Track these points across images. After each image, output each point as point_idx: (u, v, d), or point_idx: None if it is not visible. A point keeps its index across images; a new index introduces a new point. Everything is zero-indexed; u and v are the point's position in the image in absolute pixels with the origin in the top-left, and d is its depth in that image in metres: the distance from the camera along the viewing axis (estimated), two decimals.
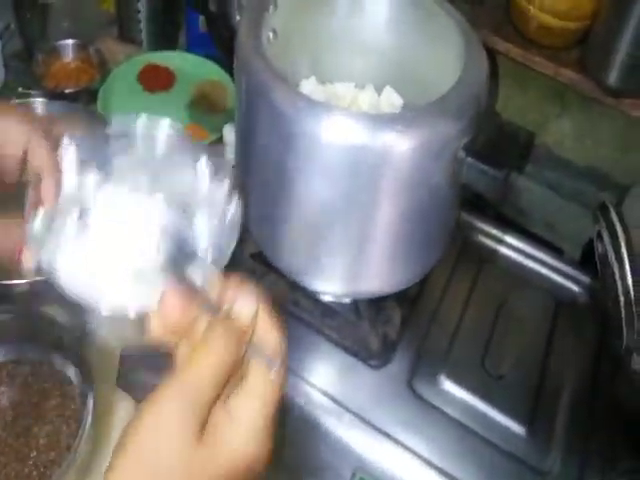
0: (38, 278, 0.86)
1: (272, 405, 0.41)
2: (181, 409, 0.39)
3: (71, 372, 0.80)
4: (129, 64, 1.26)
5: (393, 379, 0.72)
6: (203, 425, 0.40)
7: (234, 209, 0.49)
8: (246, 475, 0.41)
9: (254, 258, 0.77)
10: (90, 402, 0.71)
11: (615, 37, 0.84)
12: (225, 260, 0.48)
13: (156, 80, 1.25)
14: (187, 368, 0.41)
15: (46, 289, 0.85)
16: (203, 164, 0.49)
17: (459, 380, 0.72)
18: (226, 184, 0.49)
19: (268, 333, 0.43)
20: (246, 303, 0.44)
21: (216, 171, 0.49)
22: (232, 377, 0.41)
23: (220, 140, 1.08)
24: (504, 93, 1.15)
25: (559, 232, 1.18)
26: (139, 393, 0.80)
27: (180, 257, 0.45)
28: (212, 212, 0.48)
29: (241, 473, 0.41)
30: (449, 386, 0.72)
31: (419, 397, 0.70)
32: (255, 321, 0.43)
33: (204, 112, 1.20)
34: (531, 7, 0.90)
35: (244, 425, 0.41)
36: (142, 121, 0.53)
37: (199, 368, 0.40)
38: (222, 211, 0.49)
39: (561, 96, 1.09)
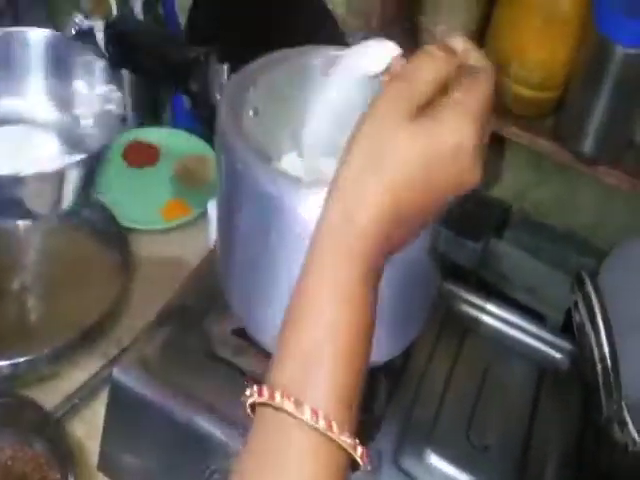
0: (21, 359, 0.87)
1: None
2: (393, 97, 0.44)
3: (51, 456, 0.78)
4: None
5: (378, 456, 0.70)
6: (417, 109, 0.43)
7: None
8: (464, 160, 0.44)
9: (236, 334, 0.77)
10: None
11: (588, 106, 0.86)
12: None
13: (140, 156, 1.27)
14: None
15: (27, 370, 0.85)
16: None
17: (445, 454, 0.71)
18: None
19: (479, 62, 0.47)
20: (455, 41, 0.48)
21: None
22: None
23: (204, 215, 1.09)
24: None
25: (540, 297, 1.18)
26: (122, 476, 0.79)
27: None
28: None
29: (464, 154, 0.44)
30: (435, 460, 0.71)
31: (405, 473, 0.69)
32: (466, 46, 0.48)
33: (188, 187, 1.21)
34: (506, 78, 0.93)
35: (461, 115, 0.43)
36: None
37: (413, 68, 0.45)
38: None
39: (539, 164, 1.11)
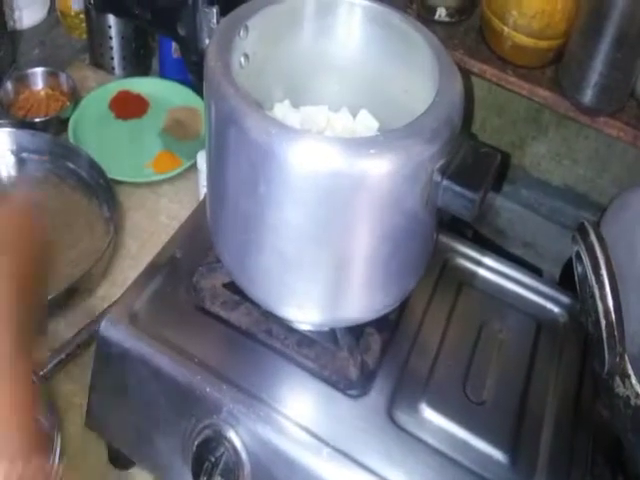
0: None
1: None
2: None
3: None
4: (101, 91, 1.24)
5: (372, 409, 0.69)
6: None
7: None
8: None
9: (227, 288, 0.75)
10: (58, 440, 0.69)
11: (588, 56, 0.84)
12: None
13: (128, 107, 1.23)
14: None
15: None
16: None
17: (440, 408, 0.70)
18: None
19: None
20: None
21: None
22: None
23: (194, 167, 1.07)
24: (481, 115, 1.15)
25: (538, 251, 1.17)
26: (110, 434, 0.78)
27: None
28: None
29: None
30: (430, 414, 0.70)
31: (399, 427, 0.68)
32: None
33: (177, 139, 1.19)
34: (505, 27, 0.90)
35: None
36: None
37: None
38: None
39: (537, 118, 1.09)
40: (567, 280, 0.83)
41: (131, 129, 1.22)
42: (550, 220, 1.17)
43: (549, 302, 0.83)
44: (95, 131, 1.19)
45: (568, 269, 0.81)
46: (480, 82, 1.03)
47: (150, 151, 1.18)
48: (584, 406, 0.72)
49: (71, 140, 1.15)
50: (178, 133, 1.19)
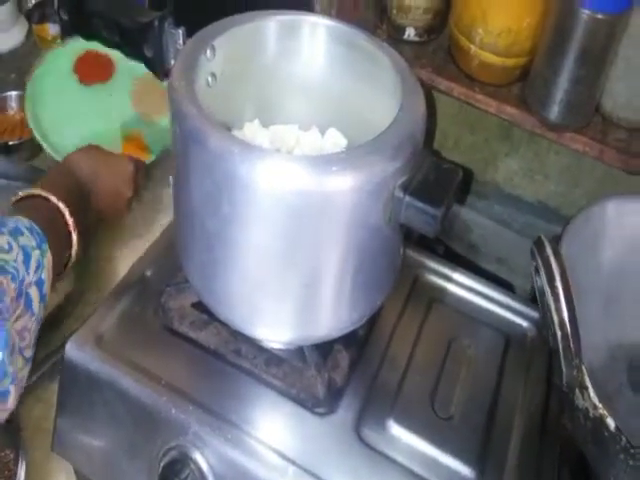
0: None
1: None
2: None
3: (4, 436, 0.76)
4: (65, 49, 1.14)
5: (340, 427, 0.69)
6: None
7: None
8: None
9: (195, 307, 0.75)
10: (22, 469, 0.68)
11: (553, 73, 0.85)
12: None
13: (93, 70, 1.13)
14: None
15: None
16: None
17: (407, 424, 0.70)
18: None
19: None
20: None
21: None
22: None
23: (163, 158, 1.05)
24: (454, 133, 1.16)
25: (511, 267, 1.18)
26: (77, 458, 0.77)
27: None
28: None
29: None
30: (397, 431, 0.70)
31: (367, 444, 0.68)
32: None
33: (145, 117, 1.10)
34: (472, 45, 0.91)
35: None
36: None
37: None
38: None
39: (509, 135, 1.10)
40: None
41: (95, 95, 1.12)
42: (523, 235, 1.17)
43: (518, 317, 0.83)
44: (55, 96, 1.10)
45: None
46: (452, 100, 1.04)
47: (116, 127, 1.08)
48: (550, 420, 0.73)
49: (29, 108, 1.08)
50: (146, 105, 1.09)
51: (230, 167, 0.58)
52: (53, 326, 0.95)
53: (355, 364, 0.75)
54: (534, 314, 0.83)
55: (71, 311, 0.98)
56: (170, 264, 0.80)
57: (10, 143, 1.15)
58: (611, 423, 0.54)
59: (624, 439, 0.54)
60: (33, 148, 1.17)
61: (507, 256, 1.18)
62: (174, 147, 0.67)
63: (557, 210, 1.14)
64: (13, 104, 1.23)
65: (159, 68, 0.76)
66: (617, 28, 0.81)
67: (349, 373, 0.73)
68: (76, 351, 0.72)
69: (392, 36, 0.99)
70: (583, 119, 0.89)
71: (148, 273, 0.81)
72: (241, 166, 0.58)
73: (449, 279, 0.86)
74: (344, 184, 0.58)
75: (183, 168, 0.65)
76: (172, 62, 0.75)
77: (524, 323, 0.83)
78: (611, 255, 0.77)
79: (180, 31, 0.73)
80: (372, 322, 0.77)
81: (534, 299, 0.89)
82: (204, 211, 0.65)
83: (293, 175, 0.57)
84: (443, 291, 0.85)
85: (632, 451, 0.54)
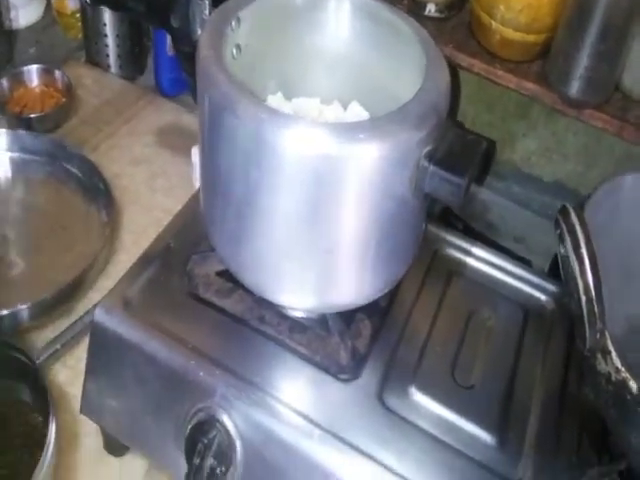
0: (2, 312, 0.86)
1: None
2: None
3: (33, 400, 0.78)
4: None
5: (363, 393, 0.71)
6: None
7: None
8: None
9: (220, 275, 0.76)
10: (52, 430, 0.70)
11: (574, 49, 0.85)
12: None
13: None
14: None
15: (8, 322, 0.85)
16: None
17: (429, 391, 0.71)
18: None
19: None
20: None
21: None
22: None
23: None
24: (472, 111, 1.17)
25: (528, 246, 1.19)
26: (105, 419, 0.79)
27: None
28: None
29: None
30: (419, 398, 0.71)
31: (389, 410, 0.70)
32: None
33: None
34: (493, 21, 0.92)
35: None
36: None
37: None
38: None
39: (526, 114, 1.11)
40: (555, 272, 0.84)
41: None
42: (540, 215, 1.18)
43: (537, 290, 0.84)
44: None
45: (556, 262, 0.83)
46: (470, 78, 1.04)
47: None
48: (570, 390, 0.74)
49: None
50: None
51: (258, 133, 0.59)
52: (76, 295, 0.97)
53: (377, 333, 0.76)
54: (552, 287, 0.84)
55: (92, 282, 1.00)
56: (194, 234, 0.81)
57: (32, 116, 1.17)
58: (634, 386, 0.55)
59: None
60: (54, 121, 1.18)
61: (525, 235, 1.19)
62: (200, 118, 0.68)
63: (575, 190, 1.15)
64: (33, 78, 1.24)
65: (185, 39, 0.77)
66: (638, 3, 0.82)
67: (371, 342, 0.74)
68: (105, 315, 0.73)
69: (413, 12, 0.99)
70: (603, 95, 0.90)
71: (172, 244, 0.82)
72: (269, 132, 0.59)
73: (468, 253, 0.87)
74: (370, 151, 0.59)
75: (211, 136, 0.66)
76: (198, 32, 0.76)
77: (542, 296, 0.84)
78: (630, 229, 0.77)
79: (206, 1, 0.74)
80: (393, 294, 0.78)
81: (551, 275, 0.91)
82: (231, 178, 0.66)
83: (320, 141, 0.58)
84: (462, 264, 0.86)
85: None
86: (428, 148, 0.61)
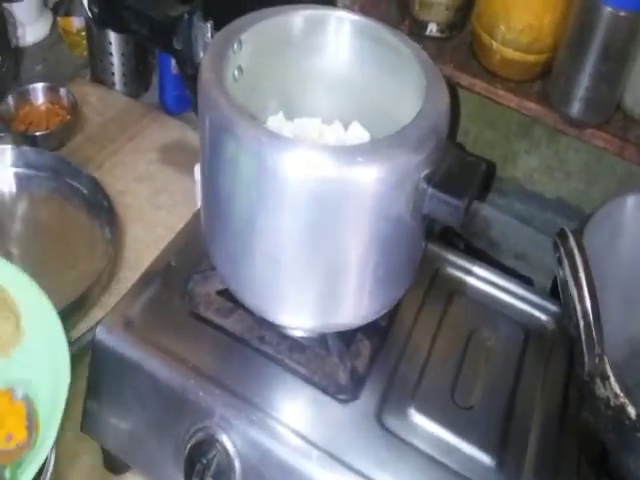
0: None
1: None
2: None
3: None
4: None
5: (362, 414, 0.71)
6: None
7: None
8: None
9: (221, 295, 0.77)
10: (52, 450, 0.70)
11: (575, 70, 0.86)
12: None
13: None
14: None
15: None
16: None
17: (428, 413, 0.71)
18: None
19: None
20: None
21: None
22: None
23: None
24: (474, 129, 1.17)
25: (531, 263, 1.19)
26: (106, 437, 0.79)
27: None
28: None
29: None
30: (418, 419, 0.71)
31: (388, 431, 0.70)
32: None
33: None
34: (494, 41, 0.93)
35: None
36: None
37: None
38: None
39: (528, 132, 1.11)
40: (557, 291, 0.84)
41: None
42: (543, 232, 1.18)
43: (537, 310, 0.84)
44: None
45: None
46: (472, 97, 1.05)
47: None
48: (570, 412, 0.74)
49: None
50: None
51: (258, 156, 0.60)
52: (79, 312, 0.97)
53: (377, 353, 0.76)
54: (553, 308, 0.84)
55: (95, 300, 1.00)
56: (195, 253, 0.82)
57: (37, 134, 1.18)
58: (632, 411, 0.55)
59: None
60: (59, 139, 1.19)
61: (527, 253, 1.19)
62: (202, 139, 0.68)
63: (577, 207, 1.15)
64: (39, 96, 1.25)
65: (188, 61, 0.78)
66: (639, 25, 0.82)
67: (371, 362, 0.75)
68: (106, 334, 0.74)
69: (414, 32, 1.00)
70: (604, 115, 0.90)
71: (173, 262, 0.82)
72: (269, 155, 0.59)
73: (469, 272, 0.87)
74: (369, 174, 0.59)
75: (211, 158, 0.67)
76: (201, 55, 0.76)
77: (543, 316, 0.84)
78: (632, 250, 0.77)
79: (209, 25, 0.75)
80: (393, 313, 0.78)
81: (553, 294, 0.91)
82: (231, 199, 0.66)
83: (319, 165, 0.59)
84: (463, 284, 0.86)
85: None
86: (427, 170, 0.62)
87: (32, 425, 0.66)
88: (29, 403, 0.67)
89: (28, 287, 0.74)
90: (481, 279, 0.87)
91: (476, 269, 0.87)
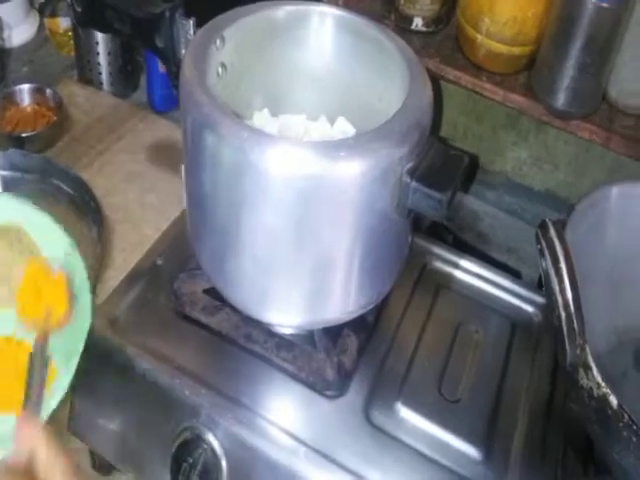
0: None
1: None
2: None
3: None
4: None
5: (349, 409, 0.71)
6: None
7: None
8: None
9: (207, 293, 0.77)
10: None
11: (559, 61, 0.85)
12: None
13: None
14: None
15: None
16: None
17: (416, 407, 0.71)
18: None
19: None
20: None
21: None
22: None
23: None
24: (463, 122, 1.17)
25: (520, 256, 1.18)
26: (92, 438, 0.79)
27: None
28: None
29: None
30: (406, 413, 0.71)
31: (376, 427, 0.70)
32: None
33: None
34: (478, 35, 0.92)
35: None
36: None
37: None
38: None
39: (516, 124, 1.11)
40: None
41: None
42: (531, 224, 1.18)
43: (524, 302, 0.84)
44: None
45: None
46: (461, 90, 1.04)
47: None
48: (556, 403, 0.74)
49: None
50: None
51: (241, 153, 0.59)
52: None
53: (364, 349, 0.76)
54: (540, 300, 0.84)
55: None
56: (180, 253, 0.81)
57: (23, 135, 1.17)
58: (614, 401, 0.55)
59: (627, 416, 0.55)
60: (46, 140, 1.19)
61: (516, 245, 1.19)
62: (184, 138, 0.68)
63: (566, 199, 1.14)
64: (25, 97, 1.24)
65: (171, 58, 0.77)
66: (622, 17, 0.82)
67: (358, 357, 0.75)
68: (92, 335, 0.73)
69: (400, 26, 1.00)
70: (589, 107, 0.90)
71: (159, 262, 0.82)
72: (251, 152, 0.59)
73: (456, 266, 0.87)
74: (352, 169, 0.59)
75: (194, 156, 0.66)
76: (183, 52, 0.76)
77: (530, 309, 0.84)
78: (616, 240, 0.77)
79: (191, 22, 0.74)
80: (380, 308, 0.78)
81: (541, 286, 0.91)
82: (216, 197, 0.66)
83: (301, 161, 0.59)
84: (451, 278, 0.86)
85: (635, 428, 0.55)
86: (410, 164, 0.62)
87: (72, 297, 0.64)
88: (68, 274, 0.66)
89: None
90: (468, 272, 0.87)
91: (463, 262, 0.87)
